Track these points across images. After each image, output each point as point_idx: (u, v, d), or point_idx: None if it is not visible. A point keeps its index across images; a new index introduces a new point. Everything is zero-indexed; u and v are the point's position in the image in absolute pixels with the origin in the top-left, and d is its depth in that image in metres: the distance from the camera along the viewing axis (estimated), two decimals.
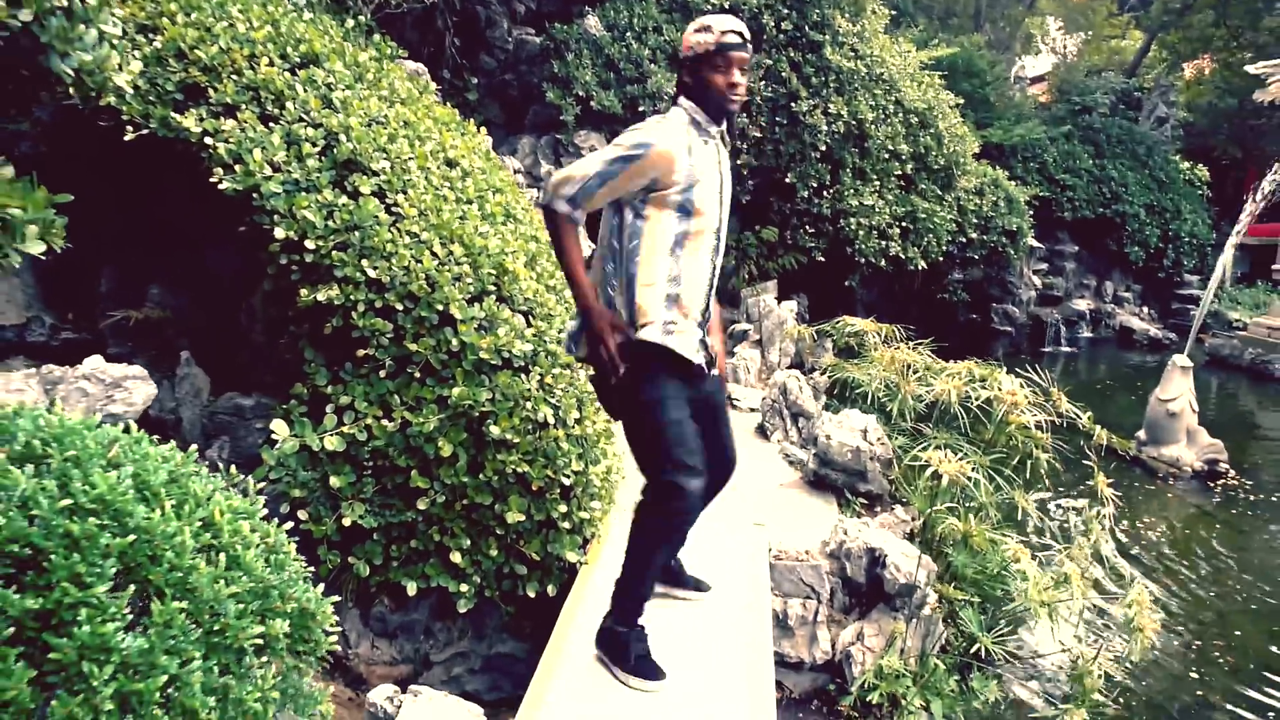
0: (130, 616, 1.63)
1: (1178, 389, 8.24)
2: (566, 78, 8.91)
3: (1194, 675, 4.76)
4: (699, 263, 2.82)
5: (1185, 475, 8.04)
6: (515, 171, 8.67)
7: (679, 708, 2.89)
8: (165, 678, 1.60)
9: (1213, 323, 15.66)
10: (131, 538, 1.69)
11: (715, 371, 3.05)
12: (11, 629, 1.49)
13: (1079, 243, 16.60)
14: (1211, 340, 14.47)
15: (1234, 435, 9.20)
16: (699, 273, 2.82)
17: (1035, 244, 14.98)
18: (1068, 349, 15.03)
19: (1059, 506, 4.56)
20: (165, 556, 1.73)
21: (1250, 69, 14.41)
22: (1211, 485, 7.88)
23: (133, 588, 1.65)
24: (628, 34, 9.23)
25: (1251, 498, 7.59)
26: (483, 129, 5.80)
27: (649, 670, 2.98)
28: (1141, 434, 8.59)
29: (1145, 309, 17.08)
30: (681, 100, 2.83)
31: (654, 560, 2.95)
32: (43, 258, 2.47)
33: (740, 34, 2.75)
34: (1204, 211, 17.62)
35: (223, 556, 1.85)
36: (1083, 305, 15.95)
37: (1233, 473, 8.04)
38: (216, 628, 1.77)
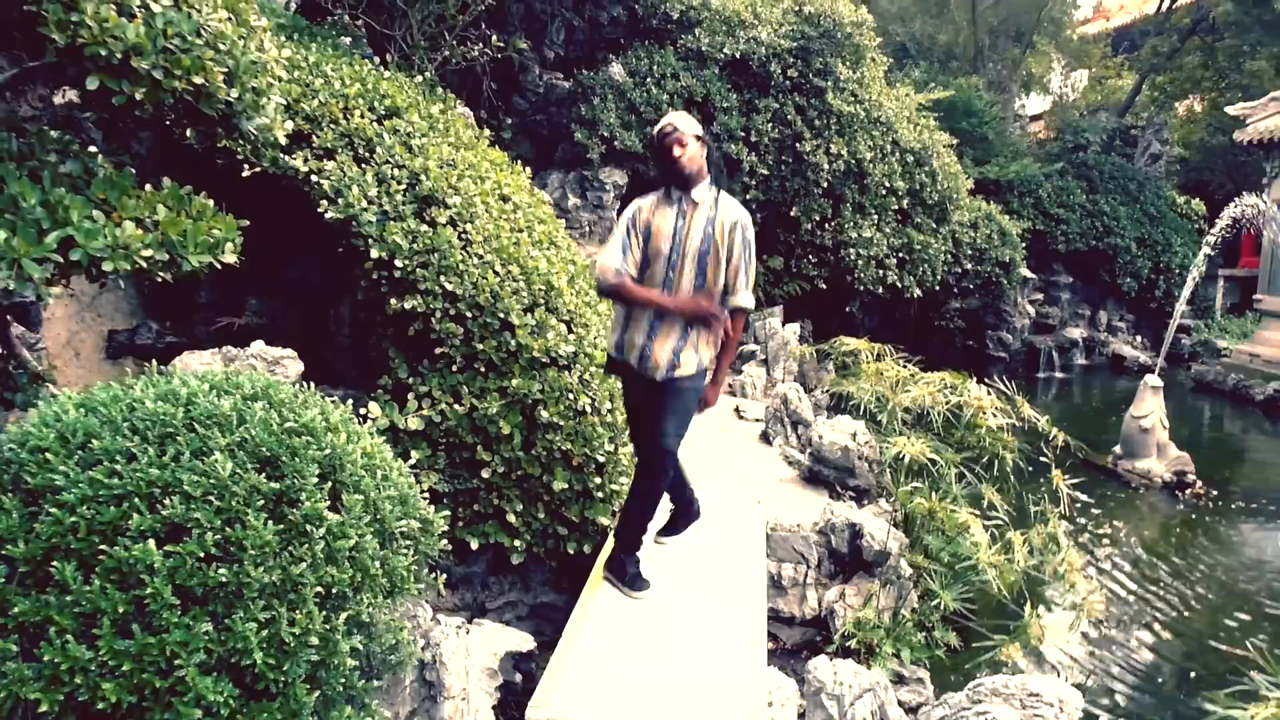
0: (329, 502, 2.44)
1: (1149, 406, 9.00)
2: (593, 119, 9.82)
3: (1136, 641, 5.52)
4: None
5: (1155, 485, 8.79)
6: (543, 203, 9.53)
7: (686, 646, 3.62)
8: (351, 543, 2.42)
9: (1202, 350, 16.41)
10: (327, 451, 2.51)
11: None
12: (261, 501, 2.30)
13: (1074, 274, 17.38)
14: (1198, 367, 15.20)
15: (1210, 453, 9.97)
16: None
17: (1031, 275, 15.79)
18: (1061, 374, 15.79)
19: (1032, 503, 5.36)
20: (346, 466, 2.55)
21: (1230, 110, 15.30)
22: (1179, 495, 8.61)
23: (329, 484, 2.47)
24: (648, 79, 10.14)
25: (1212, 505, 8.34)
26: (526, 167, 6.66)
27: (639, 584, 3.99)
28: (1118, 449, 9.35)
29: (1139, 337, 17.82)
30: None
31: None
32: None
33: (670, 123, 3.59)
34: (1195, 244, 18.35)
35: (379, 472, 2.66)
36: (1076, 333, 16.73)
37: (1200, 483, 8.75)
38: (378, 518, 2.58)
